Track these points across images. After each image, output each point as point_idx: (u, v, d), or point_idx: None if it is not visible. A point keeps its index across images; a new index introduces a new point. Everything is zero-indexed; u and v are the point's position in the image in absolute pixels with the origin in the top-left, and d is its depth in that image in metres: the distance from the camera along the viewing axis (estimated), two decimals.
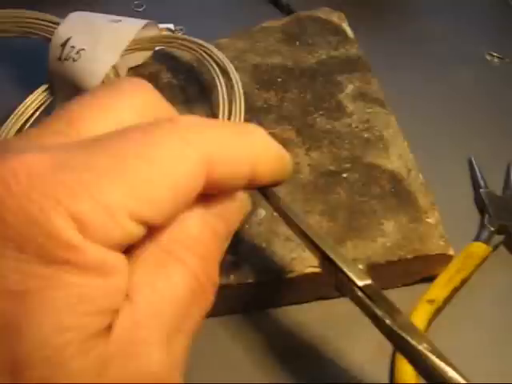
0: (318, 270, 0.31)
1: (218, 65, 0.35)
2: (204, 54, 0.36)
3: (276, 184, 0.22)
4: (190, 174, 0.17)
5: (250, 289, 0.31)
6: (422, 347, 0.19)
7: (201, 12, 0.51)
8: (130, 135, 0.17)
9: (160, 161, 0.17)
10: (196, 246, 0.18)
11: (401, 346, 0.20)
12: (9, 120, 0.37)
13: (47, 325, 0.15)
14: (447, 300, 0.33)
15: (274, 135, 0.35)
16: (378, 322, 0.21)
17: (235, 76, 0.35)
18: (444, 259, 0.33)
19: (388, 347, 0.31)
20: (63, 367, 0.15)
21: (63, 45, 0.37)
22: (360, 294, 0.21)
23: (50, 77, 0.39)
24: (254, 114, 0.37)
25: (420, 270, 0.34)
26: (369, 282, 0.21)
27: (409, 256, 0.32)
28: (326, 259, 0.22)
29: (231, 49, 0.41)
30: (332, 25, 0.44)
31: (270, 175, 0.21)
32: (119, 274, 0.16)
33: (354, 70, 0.41)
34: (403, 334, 0.20)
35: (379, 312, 0.21)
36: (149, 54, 0.41)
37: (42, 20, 0.39)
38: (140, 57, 0.40)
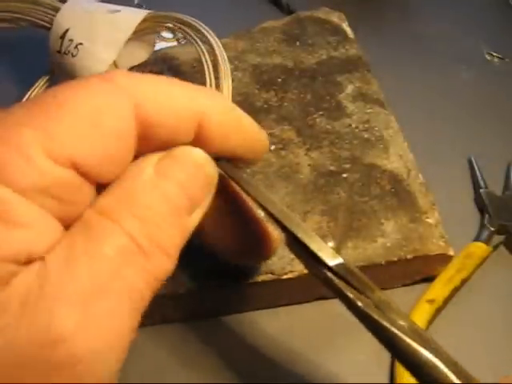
0: None
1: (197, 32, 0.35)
2: (187, 30, 0.35)
3: (243, 156, 0.21)
4: (113, 111, 0.17)
5: (251, 289, 0.31)
6: (396, 328, 0.18)
7: (201, 12, 0.51)
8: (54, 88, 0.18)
9: (78, 95, 0.17)
10: (140, 209, 0.17)
11: (374, 329, 0.19)
12: None
13: None
14: (447, 300, 0.33)
15: (273, 135, 0.36)
16: (349, 304, 0.20)
17: (217, 44, 0.34)
18: (444, 259, 0.33)
19: None
20: None
21: (62, 37, 0.36)
22: (329, 274, 0.20)
23: (51, 68, 0.39)
24: (254, 114, 0.37)
25: (420, 270, 0.34)
26: (340, 260, 0.20)
27: (409, 256, 0.32)
28: (293, 239, 0.21)
29: (231, 49, 0.41)
30: (332, 25, 0.44)
31: (221, 134, 0.20)
32: (29, 228, 0.16)
33: (354, 70, 0.41)
34: (375, 316, 0.19)
35: (350, 294, 0.19)
36: (148, 52, 0.41)
37: (40, 5, 0.38)
38: (140, 54, 0.40)
